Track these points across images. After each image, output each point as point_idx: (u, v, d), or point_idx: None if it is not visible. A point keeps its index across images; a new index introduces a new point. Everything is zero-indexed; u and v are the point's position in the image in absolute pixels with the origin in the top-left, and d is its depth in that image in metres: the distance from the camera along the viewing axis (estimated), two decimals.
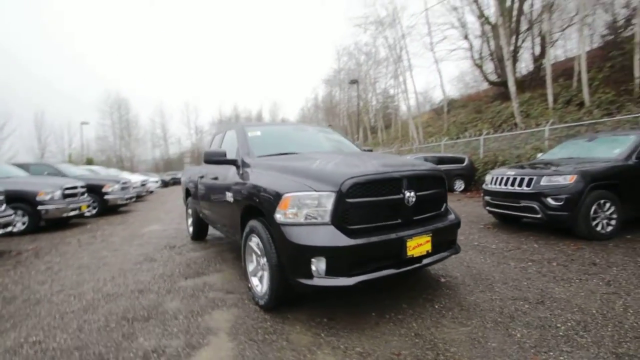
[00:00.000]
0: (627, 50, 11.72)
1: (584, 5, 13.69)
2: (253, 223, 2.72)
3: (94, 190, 9.07)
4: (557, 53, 22.24)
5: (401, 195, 2.43)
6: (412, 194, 2.46)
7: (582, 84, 12.64)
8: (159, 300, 2.97)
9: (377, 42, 31.09)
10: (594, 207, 4.38)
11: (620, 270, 3.23)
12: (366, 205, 2.31)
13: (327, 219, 2.23)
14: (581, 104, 12.87)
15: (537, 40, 20.60)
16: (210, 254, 4.55)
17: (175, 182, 30.70)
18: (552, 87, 14.21)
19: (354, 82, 29.33)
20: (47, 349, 2.21)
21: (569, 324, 2.23)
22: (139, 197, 14.26)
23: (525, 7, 20.33)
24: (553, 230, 4.96)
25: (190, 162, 74.65)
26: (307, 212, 2.26)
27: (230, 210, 3.28)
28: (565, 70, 17.18)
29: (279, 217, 2.34)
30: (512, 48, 20.99)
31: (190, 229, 5.66)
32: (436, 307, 2.59)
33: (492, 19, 21.44)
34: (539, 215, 4.66)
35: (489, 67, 24.52)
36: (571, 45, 23.78)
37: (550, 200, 4.53)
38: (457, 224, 2.81)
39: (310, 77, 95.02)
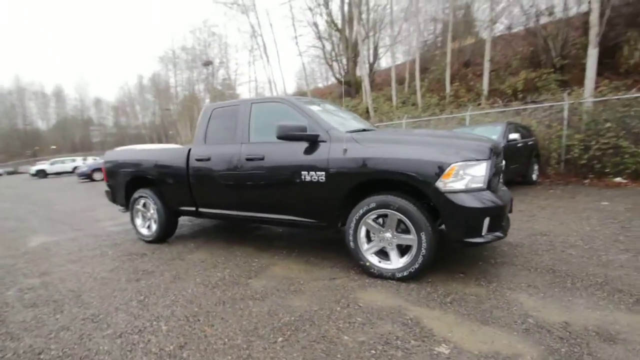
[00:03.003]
0: (442, 67, 16.34)
1: (415, 26, 17.97)
2: (383, 198, 2.67)
3: None
4: (384, 61, 28.03)
5: (501, 164, 3.04)
6: (503, 163, 3.11)
7: (416, 89, 16.71)
8: (269, 305, 2.44)
9: (229, 26, 29.76)
10: None
11: (555, 211, 4.99)
12: (494, 171, 2.77)
13: (483, 184, 2.55)
14: (414, 104, 17.00)
15: (372, 49, 25.11)
16: (215, 251, 3.76)
17: None
18: (395, 89, 18.01)
19: (207, 64, 27.28)
20: None
21: (601, 241, 3.43)
22: None
23: (364, 18, 24.44)
24: None
25: None
26: (468, 179, 2.50)
27: (316, 191, 2.96)
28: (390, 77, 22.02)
29: (441, 185, 2.47)
30: (353, 54, 25.08)
31: (145, 231, 4.37)
32: (515, 251, 3.36)
33: (340, 25, 24.70)
34: None
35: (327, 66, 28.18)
36: (389, 57, 29.95)
37: None
38: None
39: (136, 52, 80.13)
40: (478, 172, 2.52)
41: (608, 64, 11.15)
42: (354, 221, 2.82)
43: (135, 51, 79.38)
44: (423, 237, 2.55)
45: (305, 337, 1.99)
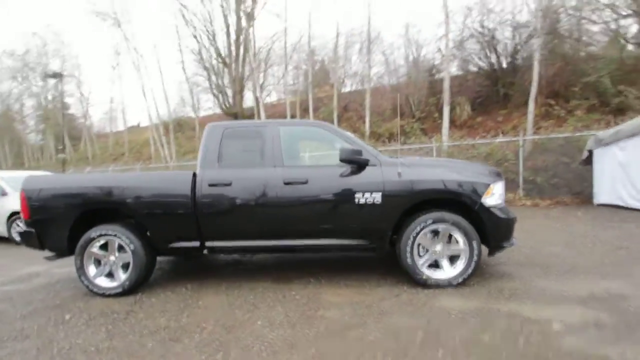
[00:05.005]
0: (329, 109, 18.43)
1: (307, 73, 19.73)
2: (440, 215, 3.04)
3: None
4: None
5: None
6: None
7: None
8: (381, 329, 2.37)
9: (84, 36, 25.03)
10: None
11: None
12: None
13: (502, 200, 3.27)
14: None
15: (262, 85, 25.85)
16: (229, 292, 3.17)
17: None
18: None
19: (54, 75, 22.02)
20: None
21: (531, 240, 4.63)
22: None
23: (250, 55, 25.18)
24: None
25: None
26: (497, 195, 3.17)
27: (371, 213, 3.06)
28: (281, 111, 23.21)
29: (484, 201, 3.05)
30: (239, 88, 25.26)
31: (104, 281, 3.27)
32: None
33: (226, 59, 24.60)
34: None
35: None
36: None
37: None
38: None
39: None
40: (500, 190, 3.24)
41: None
42: (411, 238, 3.05)
43: None
44: (474, 245, 3.02)
45: (463, 342, 2.07)
